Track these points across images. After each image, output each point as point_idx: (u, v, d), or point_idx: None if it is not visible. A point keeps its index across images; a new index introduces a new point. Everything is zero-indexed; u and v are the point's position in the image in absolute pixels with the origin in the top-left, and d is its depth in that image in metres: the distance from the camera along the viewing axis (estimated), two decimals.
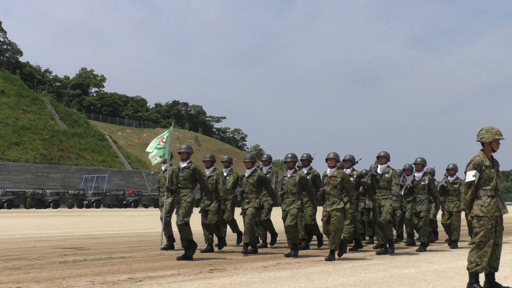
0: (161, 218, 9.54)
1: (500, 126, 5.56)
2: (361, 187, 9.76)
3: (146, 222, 21.07)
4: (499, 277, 5.90)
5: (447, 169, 11.07)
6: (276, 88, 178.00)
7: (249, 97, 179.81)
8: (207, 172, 9.15)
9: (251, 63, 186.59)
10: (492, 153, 5.60)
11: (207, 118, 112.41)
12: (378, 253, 9.07)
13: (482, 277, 5.58)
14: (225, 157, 10.14)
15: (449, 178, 11.03)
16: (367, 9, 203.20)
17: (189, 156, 8.51)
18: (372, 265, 7.75)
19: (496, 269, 5.53)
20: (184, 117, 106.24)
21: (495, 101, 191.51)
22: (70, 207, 42.89)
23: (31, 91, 73.49)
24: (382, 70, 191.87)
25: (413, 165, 10.16)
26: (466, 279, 5.67)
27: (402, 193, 9.81)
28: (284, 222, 8.60)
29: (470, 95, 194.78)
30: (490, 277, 5.53)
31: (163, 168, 9.87)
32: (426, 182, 9.90)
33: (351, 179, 9.22)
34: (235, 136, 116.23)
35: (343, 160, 9.55)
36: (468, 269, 5.44)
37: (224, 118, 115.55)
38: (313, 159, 9.92)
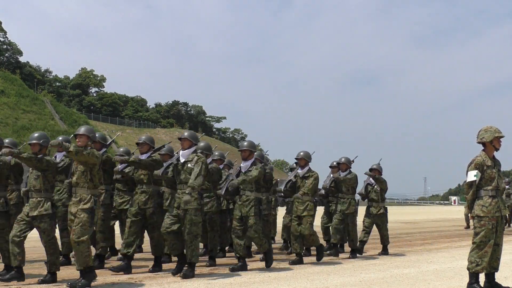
0: None
1: (500, 126, 5.56)
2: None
3: None
4: (499, 277, 5.89)
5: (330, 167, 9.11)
6: (276, 88, 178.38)
7: (249, 97, 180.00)
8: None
9: (251, 63, 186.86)
10: (495, 152, 5.61)
11: (207, 118, 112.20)
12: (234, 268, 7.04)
13: (482, 277, 5.58)
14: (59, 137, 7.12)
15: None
16: (367, 9, 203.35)
17: None
18: (372, 265, 7.76)
19: (496, 269, 5.54)
20: (184, 117, 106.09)
21: (495, 101, 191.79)
22: None
23: (31, 91, 73.38)
24: (382, 70, 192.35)
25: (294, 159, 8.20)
26: (466, 279, 5.67)
27: (283, 188, 8.06)
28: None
29: (470, 95, 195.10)
30: (490, 277, 5.53)
31: None
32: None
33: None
34: (235, 136, 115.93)
35: None
36: (468, 269, 5.45)
37: (224, 118, 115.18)
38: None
